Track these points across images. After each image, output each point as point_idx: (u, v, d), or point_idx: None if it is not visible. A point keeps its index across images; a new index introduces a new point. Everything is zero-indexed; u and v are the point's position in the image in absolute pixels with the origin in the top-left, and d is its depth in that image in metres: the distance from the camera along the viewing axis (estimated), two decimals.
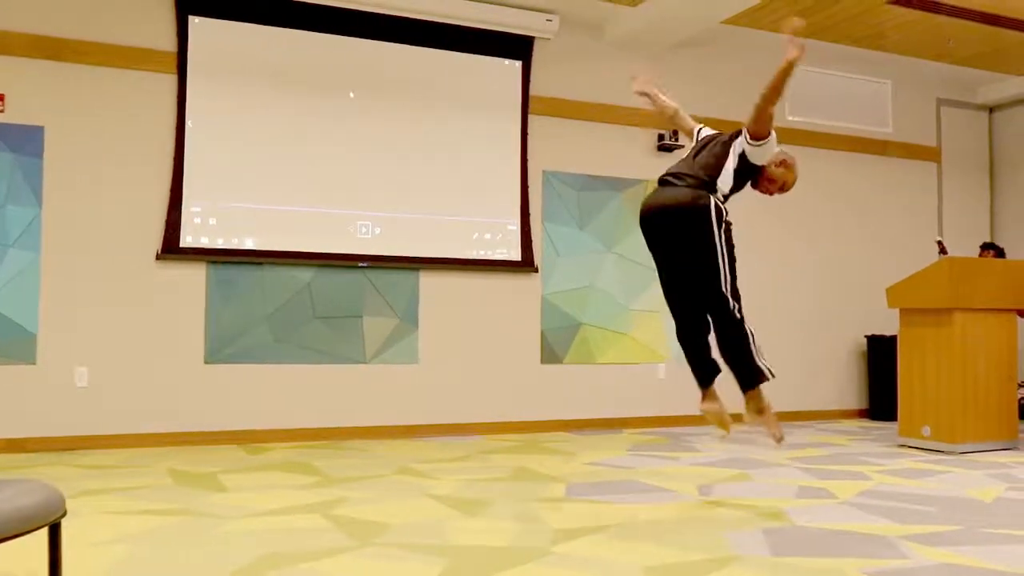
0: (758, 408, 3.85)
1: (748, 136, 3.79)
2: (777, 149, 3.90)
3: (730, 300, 3.72)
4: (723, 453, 5.35)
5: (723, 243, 3.71)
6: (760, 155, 3.83)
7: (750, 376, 3.79)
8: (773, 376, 3.81)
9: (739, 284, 3.80)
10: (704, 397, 3.99)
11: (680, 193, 3.74)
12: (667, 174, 3.86)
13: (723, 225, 3.73)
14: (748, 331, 3.76)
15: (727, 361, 3.84)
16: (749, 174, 3.88)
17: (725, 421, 3.95)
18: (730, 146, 3.87)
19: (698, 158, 3.88)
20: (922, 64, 7.74)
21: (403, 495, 3.94)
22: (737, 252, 3.81)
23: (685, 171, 3.82)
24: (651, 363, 6.80)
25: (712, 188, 3.75)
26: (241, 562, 2.81)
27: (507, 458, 5.10)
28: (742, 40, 7.13)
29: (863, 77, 7.83)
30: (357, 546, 3.02)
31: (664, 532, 3.26)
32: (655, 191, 3.87)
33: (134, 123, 5.51)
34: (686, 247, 3.75)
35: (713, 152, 3.86)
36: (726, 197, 3.82)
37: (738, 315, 3.74)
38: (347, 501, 3.79)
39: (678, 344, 4.08)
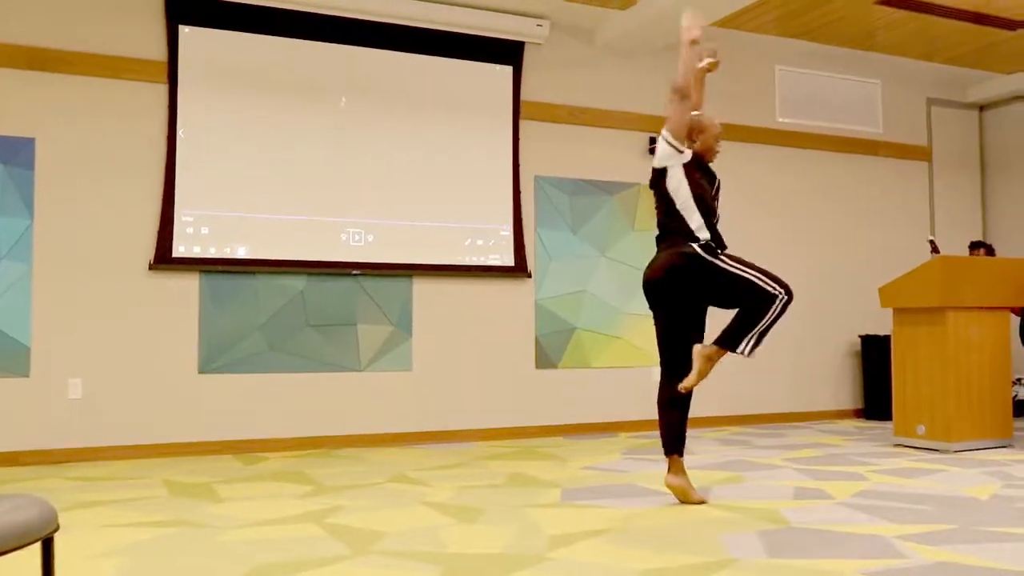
0: (710, 354, 3.74)
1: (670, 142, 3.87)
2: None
3: (778, 291, 3.67)
4: (718, 456, 5.35)
5: (734, 265, 3.74)
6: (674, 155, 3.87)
7: (735, 338, 3.72)
8: (746, 355, 3.77)
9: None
10: (671, 468, 3.88)
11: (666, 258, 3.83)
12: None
13: (718, 257, 3.77)
14: (775, 313, 3.68)
15: (738, 314, 3.75)
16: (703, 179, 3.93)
17: (691, 498, 3.84)
18: (666, 182, 3.89)
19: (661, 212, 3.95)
20: (912, 64, 7.77)
21: (398, 503, 3.93)
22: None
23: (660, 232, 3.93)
24: (646, 366, 6.80)
25: (692, 238, 3.80)
26: (237, 573, 2.80)
27: (502, 464, 5.09)
28: (732, 42, 7.14)
29: (853, 77, 7.86)
30: (353, 555, 3.02)
31: (660, 536, 3.26)
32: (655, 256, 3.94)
33: (125, 133, 5.51)
34: (703, 299, 3.86)
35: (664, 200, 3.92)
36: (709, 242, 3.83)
37: (780, 300, 3.67)
38: (342, 510, 3.78)
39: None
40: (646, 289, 3.87)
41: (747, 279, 3.69)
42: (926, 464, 4.95)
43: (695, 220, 3.81)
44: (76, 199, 5.38)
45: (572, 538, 3.22)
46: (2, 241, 5.19)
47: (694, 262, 3.74)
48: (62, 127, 5.37)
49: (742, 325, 3.72)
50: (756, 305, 3.68)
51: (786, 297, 3.66)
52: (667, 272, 3.78)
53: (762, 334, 3.72)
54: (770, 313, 3.66)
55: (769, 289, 3.66)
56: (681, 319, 3.85)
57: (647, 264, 3.92)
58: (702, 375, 3.73)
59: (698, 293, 3.81)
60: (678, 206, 3.83)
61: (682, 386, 3.76)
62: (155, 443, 5.45)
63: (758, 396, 7.27)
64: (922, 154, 8.21)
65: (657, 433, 6.43)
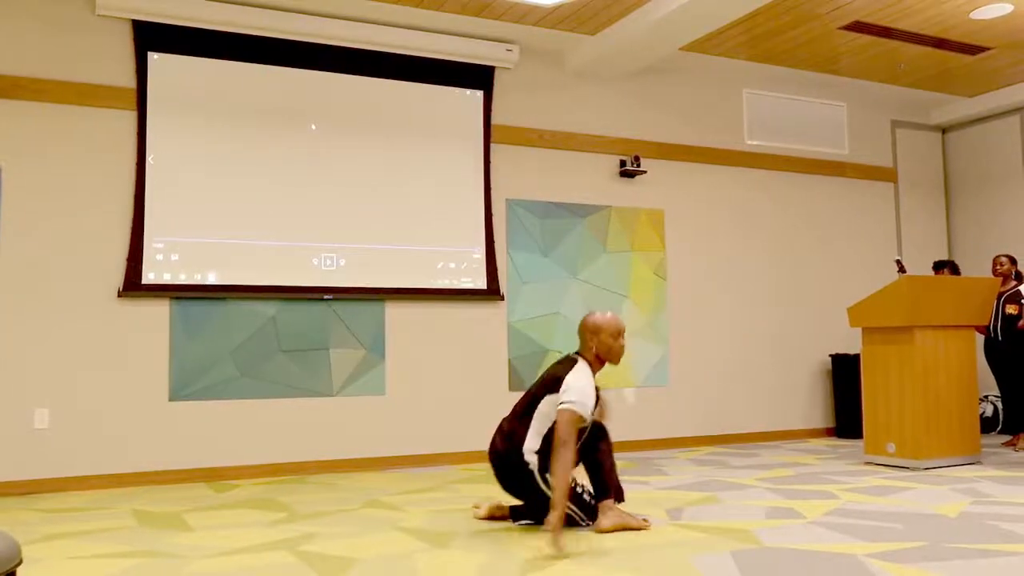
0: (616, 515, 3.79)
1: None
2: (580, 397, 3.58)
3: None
4: (692, 477, 5.37)
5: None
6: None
7: (608, 489, 3.80)
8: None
9: None
10: (599, 512, 3.81)
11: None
12: None
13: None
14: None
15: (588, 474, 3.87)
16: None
17: (633, 524, 3.77)
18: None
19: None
20: (876, 87, 7.91)
21: (372, 529, 3.90)
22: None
23: None
24: (618, 388, 6.83)
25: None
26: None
27: (476, 488, 5.07)
28: (700, 65, 7.24)
29: (819, 100, 7.99)
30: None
31: (634, 557, 3.26)
32: None
33: (94, 160, 5.47)
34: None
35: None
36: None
37: None
38: (316, 537, 3.74)
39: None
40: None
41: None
42: (896, 482, 4.99)
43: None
44: (44, 226, 5.33)
45: (546, 562, 3.22)
46: None
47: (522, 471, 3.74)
48: (29, 155, 5.33)
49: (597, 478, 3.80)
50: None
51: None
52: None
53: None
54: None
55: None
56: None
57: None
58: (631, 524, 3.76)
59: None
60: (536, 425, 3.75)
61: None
62: (124, 472, 5.38)
63: (731, 416, 7.31)
64: (888, 175, 8.34)
65: (629, 455, 6.47)
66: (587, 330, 3.77)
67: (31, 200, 5.31)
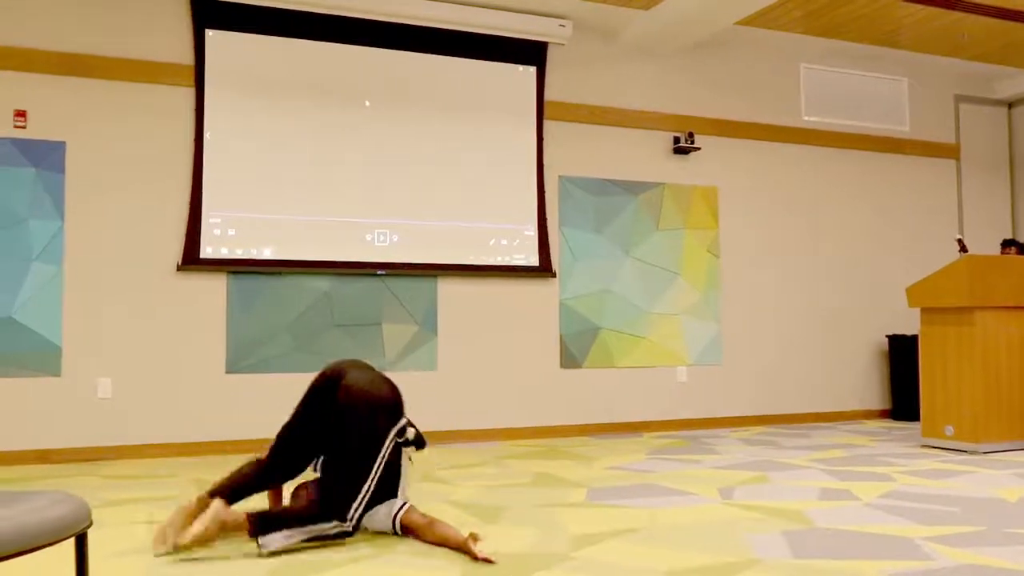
0: (224, 521, 3.11)
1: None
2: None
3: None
4: (744, 456, 5.34)
5: None
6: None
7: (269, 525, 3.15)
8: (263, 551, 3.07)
9: None
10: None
11: None
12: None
13: None
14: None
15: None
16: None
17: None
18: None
19: None
20: (938, 61, 7.69)
21: (423, 502, 3.95)
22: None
23: None
24: (671, 366, 6.79)
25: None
26: (264, 571, 2.83)
27: (527, 463, 5.10)
28: (755, 40, 7.11)
29: (879, 75, 7.80)
30: (376, 554, 3.04)
31: (685, 536, 3.26)
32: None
33: (153, 136, 5.58)
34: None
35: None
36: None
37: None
38: None
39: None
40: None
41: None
42: (954, 465, 4.90)
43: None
44: (106, 201, 5.46)
45: (597, 538, 3.23)
46: (34, 243, 5.28)
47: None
48: (92, 131, 5.45)
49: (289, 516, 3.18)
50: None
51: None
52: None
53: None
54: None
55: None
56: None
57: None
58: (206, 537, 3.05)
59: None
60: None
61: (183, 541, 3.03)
62: (184, 442, 5.51)
63: (784, 396, 7.23)
64: (950, 152, 8.12)
65: (680, 434, 6.45)
66: None
67: (93, 176, 5.44)
